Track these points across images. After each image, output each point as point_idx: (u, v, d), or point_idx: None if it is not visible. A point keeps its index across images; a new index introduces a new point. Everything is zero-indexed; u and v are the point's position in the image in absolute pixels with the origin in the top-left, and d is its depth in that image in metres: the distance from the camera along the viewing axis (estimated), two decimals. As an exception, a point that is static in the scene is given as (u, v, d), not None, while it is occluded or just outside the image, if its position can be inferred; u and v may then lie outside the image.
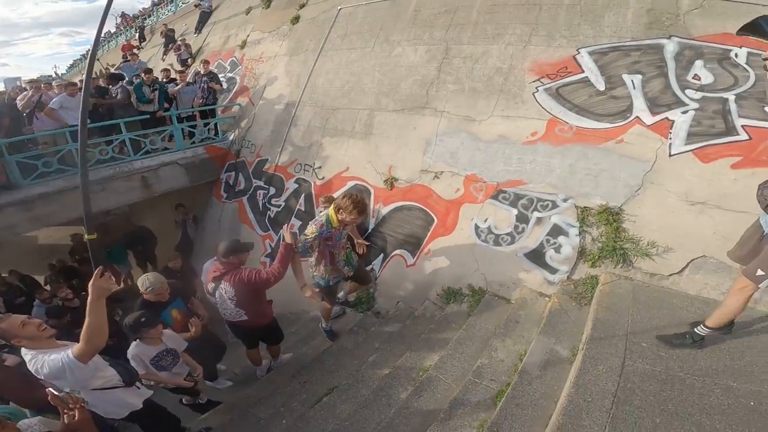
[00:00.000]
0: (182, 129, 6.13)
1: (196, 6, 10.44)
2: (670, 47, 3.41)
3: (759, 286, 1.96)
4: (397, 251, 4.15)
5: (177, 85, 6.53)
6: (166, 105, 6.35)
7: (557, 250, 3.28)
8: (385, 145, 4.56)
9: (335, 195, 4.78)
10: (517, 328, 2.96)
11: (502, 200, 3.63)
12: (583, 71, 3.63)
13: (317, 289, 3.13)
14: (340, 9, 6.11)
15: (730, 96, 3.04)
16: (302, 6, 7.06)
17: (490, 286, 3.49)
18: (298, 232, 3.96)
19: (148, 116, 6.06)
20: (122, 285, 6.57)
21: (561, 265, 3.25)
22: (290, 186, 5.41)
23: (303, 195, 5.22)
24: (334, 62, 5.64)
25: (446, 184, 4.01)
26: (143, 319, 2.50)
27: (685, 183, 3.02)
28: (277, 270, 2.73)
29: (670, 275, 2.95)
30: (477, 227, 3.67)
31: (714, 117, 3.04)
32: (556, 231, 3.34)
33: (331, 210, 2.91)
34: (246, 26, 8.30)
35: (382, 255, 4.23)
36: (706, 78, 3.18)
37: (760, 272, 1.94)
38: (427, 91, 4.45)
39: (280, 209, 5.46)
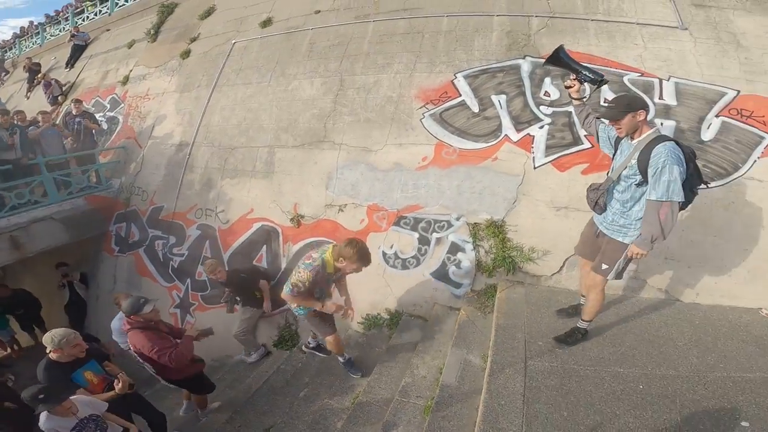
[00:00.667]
0: (54, 178, 5.62)
1: (70, 38, 9.80)
2: (525, 67, 4.12)
3: (607, 278, 2.41)
4: None
5: (38, 127, 5.99)
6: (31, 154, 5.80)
7: (458, 265, 3.71)
8: (288, 183, 4.66)
9: (241, 238, 4.82)
10: (434, 343, 3.25)
11: (403, 226, 3.97)
12: (460, 95, 4.18)
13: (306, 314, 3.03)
14: (234, 43, 6.24)
15: (572, 108, 3.84)
16: (193, 40, 7.05)
17: (405, 307, 3.79)
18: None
19: (9, 165, 5.50)
20: (8, 351, 6.22)
21: (463, 279, 3.67)
22: (192, 233, 5.25)
23: (208, 241, 5.09)
24: (229, 98, 5.68)
25: (351, 216, 4.23)
26: (41, 396, 2.28)
27: (549, 191, 3.62)
28: (179, 359, 2.86)
29: (552, 275, 3.50)
30: (384, 254, 3.96)
31: (563, 129, 3.74)
32: (455, 248, 3.76)
33: (328, 254, 2.77)
34: (128, 60, 7.94)
35: None
36: (554, 94, 3.90)
37: (604, 266, 2.38)
38: (325, 124, 4.69)
39: (184, 258, 5.23)
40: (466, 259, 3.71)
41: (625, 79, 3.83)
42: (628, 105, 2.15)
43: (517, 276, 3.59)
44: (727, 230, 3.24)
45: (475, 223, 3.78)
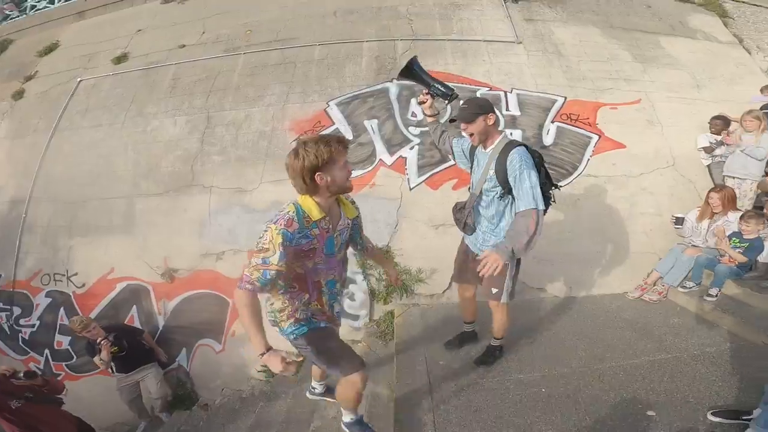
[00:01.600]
0: None
1: None
2: (393, 90, 4.25)
3: (502, 301, 2.25)
4: (201, 341, 3.92)
5: None
6: None
7: (352, 298, 3.62)
8: (154, 236, 4.12)
9: (104, 301, 4.11)
10: None
11: None
12: (334, 123, 4.15)
13: (287, 358, 1.56)
14: (80, 81, 5.40)
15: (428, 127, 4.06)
16: (29, 78, 5.93)
17: None
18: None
19: None
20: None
21: (359, 310, 3.60)
22: (41, 301, 4.34)
23: (62, 308, 4.26)
24: (74, 144, 4.84)
25: (232, 264, 3.87)
26: None
27: (426, 211, 3.72)
28: None
29: (443, 292, 3.57)
30: None
31: (431, 148, 3.92)
32: (347, 281, 3.68)
33: (300, 198, 1.62)
34: (-58, 108, 6.47)
35: (184, 349, 3.97)
36: (420, 114, 4.08)
37: (494, 291, 2.22)
38: (192, 166, 4.26)
39: (35, 328, 4.34)
40: (359, 290, 3.66)
41: (478, 94, 4.19)
42: (480, 106, 2.09)
43: (412, 298, 3.61)
44: (578, 225, 3.66)
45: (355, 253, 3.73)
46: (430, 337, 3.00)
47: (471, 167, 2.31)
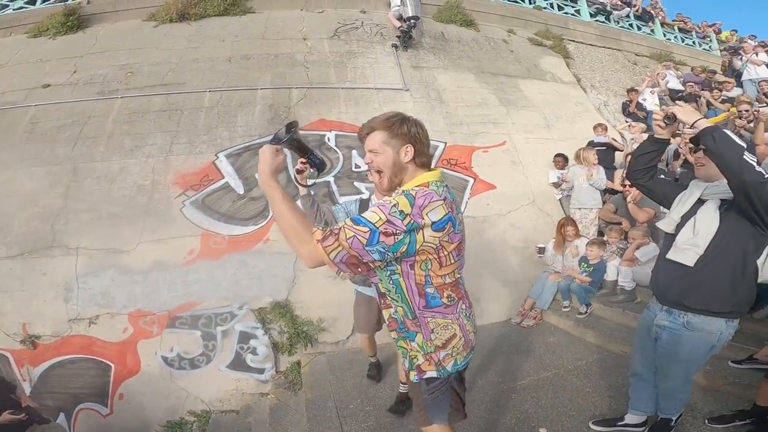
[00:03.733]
0: None
1: None
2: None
3: None
4: (82, 405, 3.52)
5: None
6: None
7: (254, 352, 3.55)
8: (8, 302, 3.55)
9: None
10: None
11: (180, 326, 3.56)
12: (223, 176, 4.03)
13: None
14: None
15: (331, 178, 4.20)
16: None
17: (212, 404, 3.44)
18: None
19: None
20: None
21: (264, 363, 3.55)
22: None
23: None
24: None
25: (109, 327, 3.53)
26: None
27: (321, 261, 3.85)
28: None
29: (348, 337, 3.66)
30: (166, 358, 3.50)
31: (324, 200, 4.04)
32: (245, 337, 3.58)
33: (412, 183, 1.29)
34: None
35: (63, 414, 3.51)
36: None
37: None
38: (53, 225, 3.75)
39: None
40: (261, 344, 3.60)
41: (369, 144, 4.42)
42: None
43: (317, 347, 3.65)
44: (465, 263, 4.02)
45: (260, 308, 3.68)
46: (338, 382, 3.10)
47: None
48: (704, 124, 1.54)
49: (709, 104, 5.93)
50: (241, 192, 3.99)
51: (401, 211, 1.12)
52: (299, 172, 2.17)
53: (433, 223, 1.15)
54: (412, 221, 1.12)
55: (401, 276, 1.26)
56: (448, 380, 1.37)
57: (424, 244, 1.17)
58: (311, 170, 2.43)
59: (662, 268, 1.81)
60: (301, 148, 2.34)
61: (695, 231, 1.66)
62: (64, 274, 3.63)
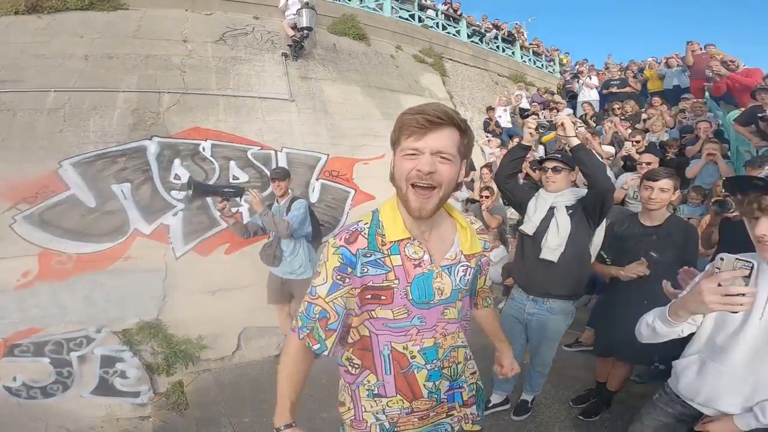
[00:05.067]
0: None
1: None
2: (153, 148, 3.99)
3: None
4: None
5: None
6: None
7: (123, 376, 3.28)
8: None
9: None
10: None
11: (21, 354, 3.13)
12: (69, 188, 3.59)
13: None
14: None
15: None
16: None
17: None
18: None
19: None
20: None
21: (138, 386, 3.28)
22: None
23: None
24: None
25: None
26: None
27: (199, 278, 3.67)
28: None
29: (234, 352, 3.58)
30: (9, 388, 3.06)
31: (199, 213, 3.90)
32: (110, 360, 3.28)
33: (388, 201, 1.07)
34: None
35: None
36: (184, 176, 3.95)
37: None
38: None
39: None
40: (131, 366, 3.32)
41: (249, 154, 4.41)
42: (288, 173, 3.20)
43: (200, 365, 3.49)
44: None
45: (124, 330, 3.40)
46: (230, 398, 3.03)
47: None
48: (576, 141, 1.94)
49: (548, 122, 7.28)
50: (93, 205, 3.60)
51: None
52: (221, 210, 2.85)
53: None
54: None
55: None
56: None
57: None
58: (231, 201, 2.79)
59: (531, 266, 2.15)
60: (212, 192, 2.73)
61: (559, 233, 2.07)
62: None
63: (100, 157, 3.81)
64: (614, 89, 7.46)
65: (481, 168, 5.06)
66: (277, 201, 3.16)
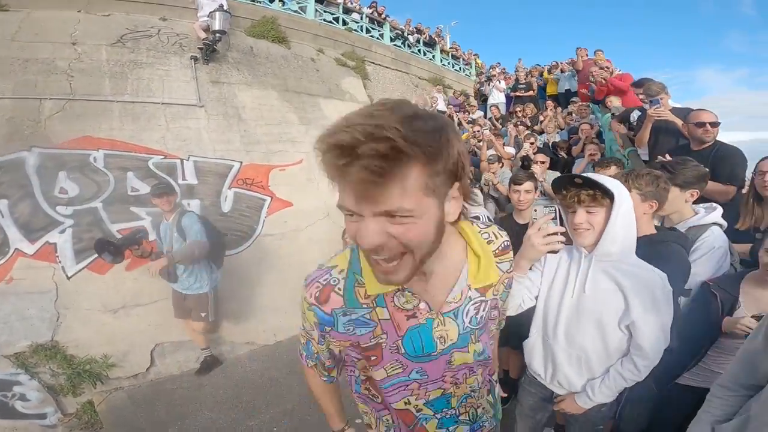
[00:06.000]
0: None
1: None
2: (32, 160, 3.65)
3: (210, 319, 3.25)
4: None
5: None
6: None
7: (23, 398, 3.08)
8: None
9: None
10: None
11: None
12: (-77, 211, 3.23)
13: None
14: None
15: (98, 204, 3.85)
16: None
17: None
18: None
19: None
20: None
21: (43, 408, 3.11)
22: None
23: None
24: None
25: None
26: None
27: (96, 297, 3.49)
28: None
29: (148, 369, 3.46)
30: None
31: (91, 228, 3.69)
32: (5, 384, 3.06)
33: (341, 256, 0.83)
34: None
35: None
36: (73, 190, 3.72)
37: (202, 314, 3.19)
38: None
39: None
40: (30, 389, 3.13)
41: (150, 163, 4.23)
42: (171, 188, 3.19)
43: (110, 384, 3.34)
44: (265, 281, 4.23)
45: (16, 353, 3.16)
46: (147, 415, 2.96)
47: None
48: None
49: (460, 124, 7.88)
50: (-41, 226, 3.24)
51: None
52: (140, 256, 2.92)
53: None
54: None
55: None
56: None
57: None
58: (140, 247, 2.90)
59: None
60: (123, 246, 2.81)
61: None
62: None
63: (-35, 172, 3.43)
64: (520, 92, 8.26)
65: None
66: (165, 218, 3.09)
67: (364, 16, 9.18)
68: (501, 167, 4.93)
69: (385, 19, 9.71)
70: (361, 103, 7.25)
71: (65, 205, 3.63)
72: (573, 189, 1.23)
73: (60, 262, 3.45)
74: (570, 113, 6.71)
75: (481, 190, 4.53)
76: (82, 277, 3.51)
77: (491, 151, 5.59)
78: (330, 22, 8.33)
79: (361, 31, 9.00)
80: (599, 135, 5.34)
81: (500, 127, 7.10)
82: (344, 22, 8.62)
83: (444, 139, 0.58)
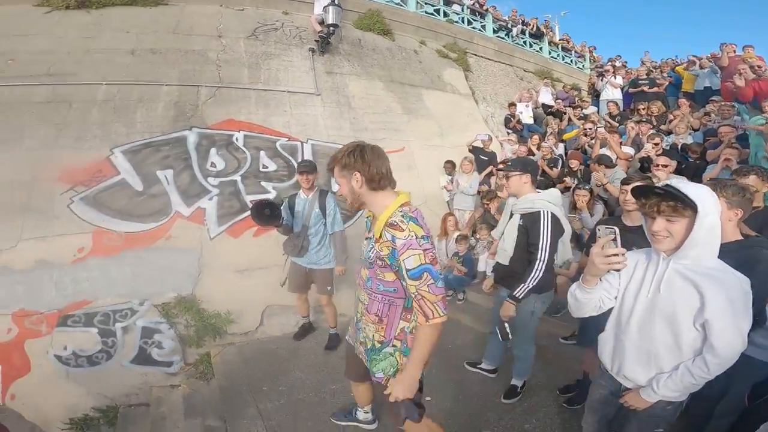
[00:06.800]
0: None
1: None
2: (192, 138, 4.38)
3: (330, 295, 3.36)
4: None
5: None
6: None
7: (159, 346, 3.62)
8: None
9: None
10: (167, 422, 3.11)
11: (73, 324, 3.52)
12: (119, 173, 4.01)
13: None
14: None
15: (237, 177, 4.42)
16: None
17: (117, 400, 3.43)
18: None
19: None
20: None
21: (172, 356, 3.63)
22: None
23: None
24: None
25: None
26: None
27: (228, 258, 4.02)
28: None
29: (257, 328, 3.90)
30: (60, 357, 3.43)
31: (231, 198, 4.25)
32: (149, 332, 3.63)
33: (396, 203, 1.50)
34: None
35: None
36: (220, 164, 4.36)
37: (327, 288, 3.34)
38: None
39: None
40: (166, 338, 3.67)
41: (277, 145, 4.72)
42: (314, 166, 3.26)
43: (226, 338, 3.80)
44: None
45: (163, 303, 3.76)
46: (250, 368, 3.30)
47: (292, 212, 3.27)
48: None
49: (569, 120, 7.27)
50: (140, 189, 4.01)
51: (423, 236, 1.38)
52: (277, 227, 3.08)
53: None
54: (427, 234, 1.42)
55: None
56: None
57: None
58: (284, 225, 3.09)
59: (495, 264, 2.58)
60: (274, 222, 2.96)
61: (508, 240, 2.38)
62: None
63: (146, 146, 4.22)
64: (645, 88, 7.32)
65: (500, 164, 5.18)
66: (305, 193, 3.25)
67: (465, 7, 8.97)
68: (614, 167, 4.53)
69: (486, 10, 9.37)
70: (463, 95, 7.14)
71: (214, 177, 4.26)
72: (654, 198, 1.21)
73: (206, 224, 4.07)
74: (707, 113, 5.76)
75: (591, 192, 4.17)
76: (220, 239, 4.09)
77: (605, 150, 5.14)
78: (431, 14, 8.32)
79: (463, 22, 8.84)
80: (741, 139, 4.58)
81: (617, 124, 6.40)
82: (445, 14, 8.54)
83: (344, 155, 1.49)
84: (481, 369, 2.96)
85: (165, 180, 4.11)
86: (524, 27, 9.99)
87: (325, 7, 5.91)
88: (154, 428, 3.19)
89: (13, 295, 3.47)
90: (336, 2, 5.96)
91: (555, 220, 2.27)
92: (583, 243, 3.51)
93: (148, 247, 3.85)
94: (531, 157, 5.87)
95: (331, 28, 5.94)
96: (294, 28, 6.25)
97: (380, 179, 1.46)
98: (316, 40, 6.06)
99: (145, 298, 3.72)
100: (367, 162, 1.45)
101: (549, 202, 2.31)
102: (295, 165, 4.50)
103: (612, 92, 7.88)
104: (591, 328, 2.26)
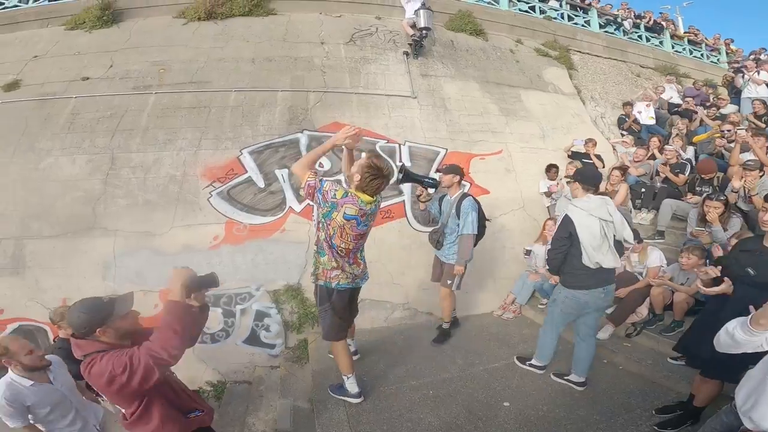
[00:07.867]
0: None
1: None
2: (303, 140, 4.79)
3: (453, 289, 3.59)
4: None
5: None
6: None
7: (267, 329, 4.05)
8: (49, 278, 4.04)
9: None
10: (264, 401, 3.48)
11: None
12: (246, 171, 4.53)
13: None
14: (-46, 108, 5.00)
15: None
16: None
17: (227, 376, 3.88)
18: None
19: None
20: None
21: (276, 339, 4.03)
22: None
23: None
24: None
25: (141, 303, 3.84)
26: None
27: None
28: (162, 349, 1.54)
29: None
30: None
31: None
32: (261, 315, 4.07)
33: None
34: None
35: None
36: (327, 164, 4.69)
37: (448, 281, 3.56)
38: (94, 208, 4.29)
39: None
40: (274, 322, 4.08)
41: (377, 146, 4.90)
42: (455, 169, 3.60)
43: None
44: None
45: (275, 290, 4.18)
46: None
47: (440, 210, 3.67)
48: None
49: (701, 120, 6.27)
50: (262, 186, 4.50)
51: (335, 193, 2.35)
52: (419, 195, 3.41)
53: (345, 214, 2.34)
54: (335, 202, 2.33)
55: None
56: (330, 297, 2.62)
57: (336, 220, 2.36)
58: (428, 191, 3.25)
59: None
60: (415, 180, 3.22)
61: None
62: (102, 253, 4.14)
63: (267, 147, 4.72)
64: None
65: (611, 169, 4.69)
66: (450, 194, 3.59)
67: (563, 3, 8.32)
68: (761, 176, 3.85)
69: (589, 5, 8.58)
70: (567, 94, 6.64)
71: (321, 176, 4.57)
72: None
73: (314, 219, 4.39)
74: None
75: (726, 203, 3.55)
76: (326, 234, 4.38)
77: (748, 155, 4.36)
78: (526, 11, 7.89)
79: (562, 18, 8.22)
80: None
81: (764, 126, 5.38)
82: (542, 11, 8.02)
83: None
84: (568, 380, 3.02)
85: (281, 178, 4.55)
86: (637, 20, 8.93)
87: (416, 10, 5.96)
88: (253, 405, 3.52)
89: (162, 275, 3.98)
90: (426, 5, 5.98)
91: (565, 222, 2.67)
92: (711, 259, 3.23)
93: (267, 239, 4.29)
94: (650, 161, 5.26)
95: (424, 32, 5.98)
96: (387, 32, 6.42)
97: (366, 187, 2.49)
98: (409, 44, 6.15)
99: (261, 285, 4.16)
100: (366, 179, 2.51)
101: (576, 206, 2.66)
102: (395, 166, 4.62)
103: (756, 90, 6.66)
104: (699, 350, 2.24)
